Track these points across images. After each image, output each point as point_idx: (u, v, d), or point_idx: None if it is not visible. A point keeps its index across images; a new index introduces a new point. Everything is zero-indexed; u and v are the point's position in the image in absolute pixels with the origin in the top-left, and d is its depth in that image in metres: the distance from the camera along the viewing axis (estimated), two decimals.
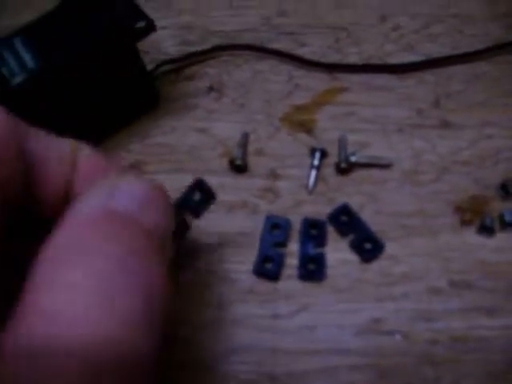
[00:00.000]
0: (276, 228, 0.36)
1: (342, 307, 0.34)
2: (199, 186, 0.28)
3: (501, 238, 0.36)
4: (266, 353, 0.33)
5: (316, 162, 0.37)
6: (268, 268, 0.35)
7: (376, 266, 0.35)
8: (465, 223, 0.36)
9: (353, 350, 0.33)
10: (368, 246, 0.35)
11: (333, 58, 0.42)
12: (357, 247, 0.35)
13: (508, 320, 0.33)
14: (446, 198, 0.37)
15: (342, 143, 0.38)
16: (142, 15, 0.35)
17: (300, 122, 0.39)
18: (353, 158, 0.37)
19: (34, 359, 0.15)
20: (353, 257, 0.35)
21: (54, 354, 0.15)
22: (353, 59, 0.42)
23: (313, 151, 0.37)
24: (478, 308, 0.34)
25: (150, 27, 0.35)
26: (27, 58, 0.34)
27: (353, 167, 0.37)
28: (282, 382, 0.32)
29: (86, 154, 0.23)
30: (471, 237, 0.36)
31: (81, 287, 0.16)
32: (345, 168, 0.37)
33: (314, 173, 0.37)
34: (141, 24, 0.35)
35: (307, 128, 0.39)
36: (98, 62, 0.35)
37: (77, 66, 0.34)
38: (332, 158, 0.38)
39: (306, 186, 0.37)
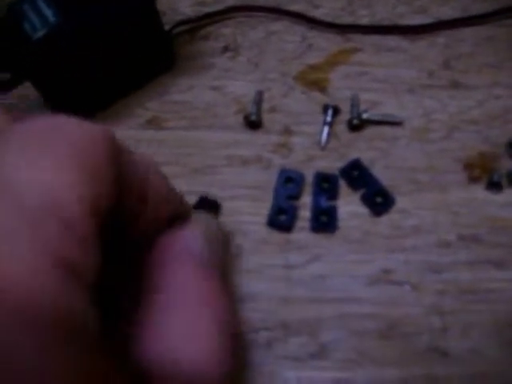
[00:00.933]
0: (289, 181, 0.37)
1: (353, 258, 0.35)
2: (203, 203, 0.30)
3: (509, 194, 0.36)
4: (279, 301, 0.34)
5: (329, 119, 0.38)
6: (281, 220, 0.36)
7: (386, 219, 0.36)
8: (473, 179, 0.37)
9: (364, 299, 0.34)
10: (379, 200, 0.36)
11: (345, 20, 0.43)
12: (368, 201, 0.36)
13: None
14: (455, 155, 0.37)
15: (354, 101, 0.38)
16: None
17: (313, 80, 0.40)
18: (365, 115, 0.38)
19: None
20: (364, 210, 0.36)
21: None
22: (365, 21, 0.42)
23: (325, 108, 0.38)
24: (486, 261, 0.35)
25: None
26: (49, 13, 0.34)
27: (364, 124, 0.38)
28: (295, 329, 0.33)
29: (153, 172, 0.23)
30: (480, 192, 0.36)
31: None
32: (357, 124, 0.38)
33: (326, 129, 0.38)
34: None
35: (320, 86, 0.40)
36: (119, 21, 0.36)
37: (97, 24, 0.35)
38: (344, 116, 0.38)
39: (319, 141, 0.38)
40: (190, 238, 0.23)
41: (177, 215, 0.24)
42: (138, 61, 0.39)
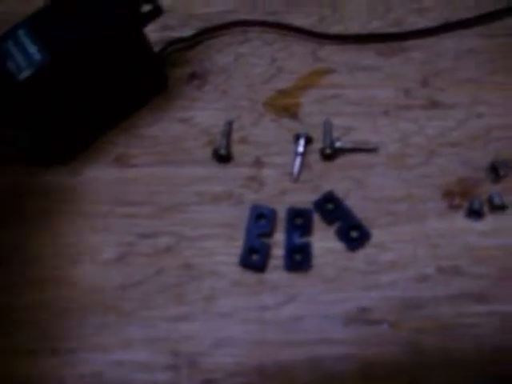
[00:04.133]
0: (261, 218, 0.35)
1: (328, 297, 0.34)
2: None
3: (490, 221, 0.35)
4: (254, 345, 0.33)
5: (300, 149, 0.36)
6: (254, 259, 0.35)
7: (362, 254, 0.35)
8: (453, 207, 0.35)
9: (340, 340, 0.33)
10: (354, 235, 0.35)
11: None
12: (343, 235, 0.35)
13: (496, 306, 0.33)
14: (434, 182, 0.36)
15: (326, 128, 0.37)
16: None
17: (284, 106, 0.39)
18: (338, 144, 0.36)
19: None
20: (339, 245, 0.35)
21: None
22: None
23: (297, 137, 0.37)
24: (467, 294, 0.33)
25: (157, 10, 0.35)
26: (33, 50, 0.33)
27: (338, 153, 0.37)
28: (270, 373, 0.32)
29: None
30: (460, 221, 0.35)
31: None
32: (330, 154, 0.36)
33: (298, 160, 0.36)
34: (147, 7, 0.34)
35: (291, 112, 0.38)
36: (106, 49, 0.34)
37: (85, 54, 0.33)
38: (317, 144, 0.37)
39: (291, 173, 0.36)
40: None
41: None
42: (130, 88, 0.38)
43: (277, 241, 0.35)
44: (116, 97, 0.38)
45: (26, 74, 0.32)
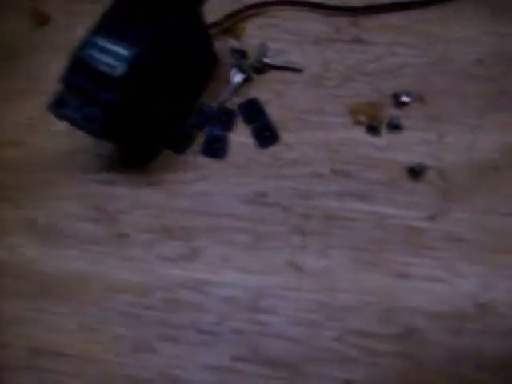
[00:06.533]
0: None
1: (235, 180, 0.40)
2: None
3: (385, 138, 0.40)
4: (163, 209, 0.39)
5: (235, 62, 0.42)
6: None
7: (271, 150, 0.40)
8: (357, 123, 0.41)
9: (238, 215, 0.39)
10: (267, 134, 0.41)
11: None
12: (257, 134, 0.41)
13: (376, 207, 0.38)
14: (344, 101, 0.42)
15: (260, 48, 0.43)
16: None
17: (230, 28, 0.45)
18: (266, 60, 0.42)
19: None
20: (253, 141, 0.41)
21: None
22: None
23: (233, 52, 0.43)
24: (352, 194, 0.39)
25: None
26: (119, 49, 0.34)
27: (267, 68, 0.43)
28: (175, 235, 0.38)
29: None
30: (360, 135, 0.40)
31: None
32: (259, 67, 0.42)
33: (231, 71, 0.42)
34: None
35: (236, 34, 0.45)
36: (175, 37, 0.37)
37: (161, 47, 0.36)
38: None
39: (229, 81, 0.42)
40: None
41: None
42: (195, 70, 0.41)
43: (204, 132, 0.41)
44: (186, 83, 0.41)
45: (120, 69, 0.34)
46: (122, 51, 0.34)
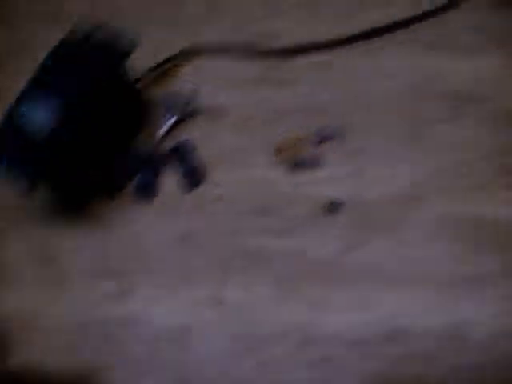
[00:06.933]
0: None
1: (164, 221, 0.42)
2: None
3: (307, 175, 0.43)
4: (97, 250, 0.42)
5: (167, 106, 0.45)
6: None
7: (199, 190, 0.43)
8: (280, 161, 0.43)
9: (166, 255, 0.41)
10: (195, 175, 0.43)
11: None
12: (186, 175, 0.43)
13: (295, 242, 0.41)
14: (269, 140, 0.44)
15: (192, 91, 0.46)
16: (124, 37, 0.41)
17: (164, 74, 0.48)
18: (197, 103, 0.45)
19: None
20: (182, 182, 0.43)
21: None
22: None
23: (166, 96, 0.46)
24: (273, 230, 0.41)
25: (133, 45, 0.41)
26: (44, 106, 0.38)
27: (198, 111, 0.45)
28: (108, 275, 0.41)
29: None
30: (283, 173, 0.43)
31: None
32: (190, 111, 0.45)
33: (164, 115, 0.45)
34: (123, 45, 0.41)
35: (170, 79, 0.47)
36: (103, 87, 0.40)
37: (90, 96, 0.39)
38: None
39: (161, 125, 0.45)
40: None
41: None
42: (122, 123, 0.44)
43: None
44: (117, 130, 0.44)
45: (44, 132, 0.37)
46: (48, 109, 0.37)
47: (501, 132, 0.43)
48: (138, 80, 0.46)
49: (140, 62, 0.45)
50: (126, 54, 0.41)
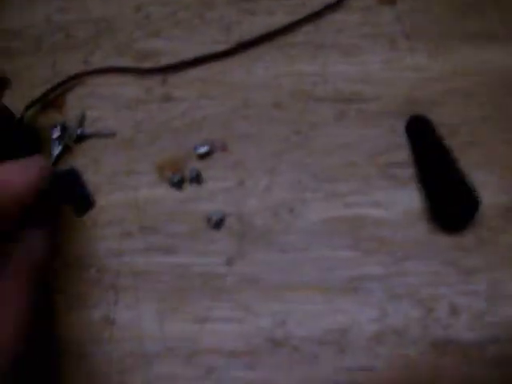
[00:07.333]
0: None
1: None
2: None
3: (189, 191, 0.44)
4: None
5: (55, 135, 0.46)
6: None
7: (88, 215, 0.44)
8: (163, 179, 0.44)
9: (57, 280, 0.43)
10: (83, 201, 0.44)
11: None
12: (74, 201, 0.44)
13: (179, 258, 0.42)
14: (152, 160, 0.45)
15: (79, 118, 0.47)
16: None
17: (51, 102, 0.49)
18: (83, 129, 0.46)
19: None
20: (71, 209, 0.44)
21: None
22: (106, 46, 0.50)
23: (52, 126, 0.47)
24: (158, 248, 0.42)
25: (6, 82, 0.42)
26: None
27: (84, 137, 0.46)
28: None
29: None
30: (166, 191, 0.44)
31: None
32: (77, 137, 0.46)
33: (54, 144, 0.46)
34: None
35: (57, 107, 0.48)
36: None
37: None
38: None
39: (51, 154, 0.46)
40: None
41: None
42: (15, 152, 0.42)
43: None
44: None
45: None
46: None
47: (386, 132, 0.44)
48: (24, 113, 0.46)
49: (26, 94, 0.46)
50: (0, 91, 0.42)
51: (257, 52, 0.48)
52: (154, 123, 0.46)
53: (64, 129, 0.47)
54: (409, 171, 0.43)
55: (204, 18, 0.50)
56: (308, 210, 0.42)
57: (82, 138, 0.46)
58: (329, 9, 0.48)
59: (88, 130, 0.46)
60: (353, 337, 0.39)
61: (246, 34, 0.48)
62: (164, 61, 0.48)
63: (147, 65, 0.48)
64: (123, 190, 0.44)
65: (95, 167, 0.45)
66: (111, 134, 0.46)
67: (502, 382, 0.37)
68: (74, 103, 0.48)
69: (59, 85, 0.48)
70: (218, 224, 0.42)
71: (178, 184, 0.43)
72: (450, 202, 0.40)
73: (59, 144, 0.46)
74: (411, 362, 0.38)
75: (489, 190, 0.41)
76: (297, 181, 0.43)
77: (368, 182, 0.43)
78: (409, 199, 0.42)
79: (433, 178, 0.41)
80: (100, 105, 0.48)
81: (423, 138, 0.43)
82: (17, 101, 0.46)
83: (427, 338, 0.38)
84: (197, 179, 0.43)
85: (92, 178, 0.45)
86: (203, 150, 0.44)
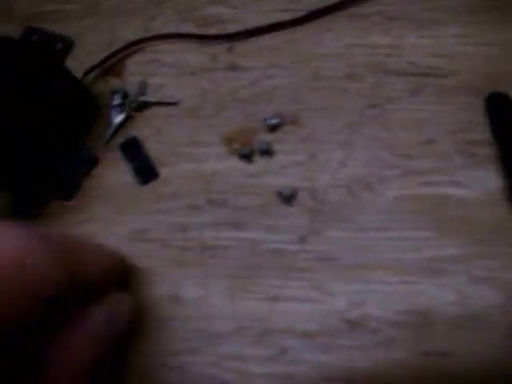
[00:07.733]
0: None
1: (117, 220, 0.42)
2: None
3: (259, 164, 0.42)
4: None
5: (115, 102, 0.44)
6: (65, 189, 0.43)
7: (150, 187, 0.42)
8: (231, 152, 0.42)
9: (125, 253, 0.41)
10: (146, 171, 0.42)
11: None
12: (137, 172, 0.42)
13: (249, 233, 0.40)
14: (219, 131, 0.43)
15: (140, 85, 0.45)
16: (58, 38, 0.41)
17: (111, 69, 0.47)
18: (145, 97, 0.44)
19: None
20: (134, 180, 0.43)
21: None
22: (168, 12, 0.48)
23: (114, 93, 0.45)
24: (227, 222, 0.40)
25: (70, 44, 0.41)
26: None
27: (145, 106, 0.44)
28: None
29: None
30: (234, 163, 0.42)
31: None
32: (138, 105, 0.44)
33: (113, 111, 0.44)
34: (59, 45, 0.41)
35: (117, 74, 0.46)
36: (42, 87, 0.39)
37: (28, 97, 0.38)
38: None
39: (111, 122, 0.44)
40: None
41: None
42: (70, 123, 0.43)
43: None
44: (63, 131, 0.42)
45: None
46: None
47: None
48: (83, 78, 0.44)
49: (84, 59, 0.44)
50: (64, 53, 0.40)
51: (327, 21, 0.45)
52: (219, 93, 0.44)
53: (125, 96, 0.45)
54: (488, 150, 0.41)
55: None
56: (385, 187, 0.40)
57: (143, 106, 0.44)
58: None
59: (150, 97, 0.44)
60: (431, 320, 0.37)
61: (316, 2, 0.46)
62: (230, 28, 0.46)
63: (211, 32, 0.46)
64: (188, 162, 0.42)
65: (158, 137, 0.43)
66: (175, 103, 0.44)
67: None
68: (135, 70, 0.46)
69: (118, 51, 0.46)
70: (289, 199, 0.40)
71: (248, 157, 0.41)
72: None
73: (121, 111, 0.44)
74: (492, 348, 0.36)
75: None
76: (373, 156, 0.41)
77: (447, 160, 0.41)
78: (488, 179, 0.40)
79: None
80: (162, 72, 0.45)
81: (503, 115, 0.41)
82: (74, 65, 0.43)
83: (508, 323, 0.37)
84: (267, 152, 0.41)
85: (155, 148, 0.43)
86: (276, 121, 0.42)
